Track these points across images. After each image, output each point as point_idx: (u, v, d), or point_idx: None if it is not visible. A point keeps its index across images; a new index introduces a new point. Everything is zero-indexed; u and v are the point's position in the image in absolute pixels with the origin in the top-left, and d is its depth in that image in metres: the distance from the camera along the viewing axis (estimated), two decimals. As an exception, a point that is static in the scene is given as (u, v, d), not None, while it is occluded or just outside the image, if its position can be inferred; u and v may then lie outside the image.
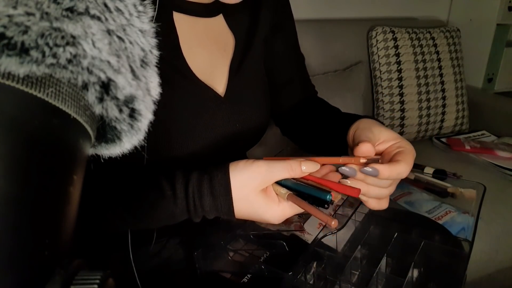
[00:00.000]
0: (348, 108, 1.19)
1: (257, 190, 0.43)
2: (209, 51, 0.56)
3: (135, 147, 0.25)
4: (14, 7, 0.17)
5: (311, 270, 0.50)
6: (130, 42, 0.23)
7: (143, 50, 0.24)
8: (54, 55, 0.18)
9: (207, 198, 0.43)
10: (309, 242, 0.58)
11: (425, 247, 0.52)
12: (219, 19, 0.58)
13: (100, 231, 0.52)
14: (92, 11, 0.20)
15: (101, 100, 0.21)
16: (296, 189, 0.43)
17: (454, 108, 1.43)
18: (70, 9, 0.19)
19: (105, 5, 0.21)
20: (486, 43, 1.57)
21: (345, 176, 0.45)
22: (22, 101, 0.18)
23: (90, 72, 0.20)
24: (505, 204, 1.01)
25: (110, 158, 0.26)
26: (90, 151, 0.23)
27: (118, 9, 0.22)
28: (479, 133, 1.45)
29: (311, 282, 0.50)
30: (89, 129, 0.21)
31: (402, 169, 0.43)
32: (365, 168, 0.42)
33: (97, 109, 0.21)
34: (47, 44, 0.18)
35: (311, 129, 0.65)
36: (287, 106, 0.71)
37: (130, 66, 0.22)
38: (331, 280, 0.51)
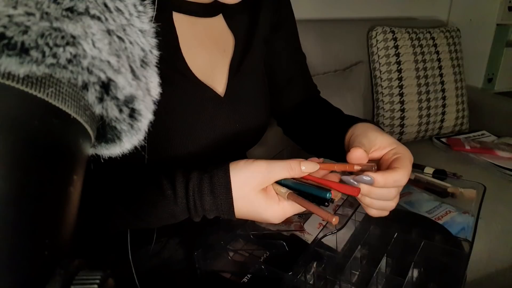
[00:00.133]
0: (348, 108, 1.19)
1: (257, 189, 0.43)
2: (209, 51, 0.56)
3: (135, 147, 0.25)
4: (14, 7, 0.17)
5: (311, 270, 0.50)
6: (130, 42, 0.23)
7: (143, 50, 0.24)
8: (54, 55, 0.18)
9: (207, 197, 0.43)
10: (309, 242, 0.58)
11: (425, 247, 0.52)
12: (219, 19, 0.58)
13: (100, 231, 0.52)
14: (92, 11, 0.20)
15: (101, 100, 0.21)
16: (296, 188, 0.43)
17: (454, 108, 1.43)
18: (70, 9, 0.19)
19: (105, 5, 0.21)
20: (486, 43, 1.58)
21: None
22: (22, 101, 0.18)
23: (90, 72, 0.20)
24: (505, 204, 1.01)
25: (110, 158, 0.26)
26: (90, 151, 0.23)
27: (118, 9, 0.22)
28: (479, 133, 1.45)
29: (311, 282, 0.50)
30: (89, 129, 0.21)
31: (399, 176, 0.42)
32: (360, 176, 0.42)
33: (97, 109, 0.21)
34: (47, 44, 0.18)
35: (312, 131, 0.65)
36: (289, 106, 0.71)
37: (130, 66, 0.22)
38: (331, 280, 0.51)
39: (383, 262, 0.51)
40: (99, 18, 0.20)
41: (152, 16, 0.25)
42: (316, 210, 0.40)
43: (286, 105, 0.71)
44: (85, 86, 0.20)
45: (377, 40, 1.32)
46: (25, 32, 0.17)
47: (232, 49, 0.59)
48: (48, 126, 0.18)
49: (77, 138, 0.20)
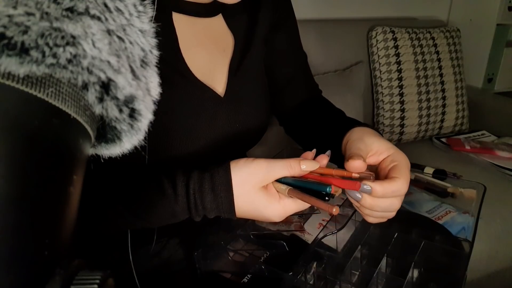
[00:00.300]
0: (348, 108, 1.19)
1: (258, 187, 0.43)
2: (208, 51, 0.56)
3: (135, 147, 0.25)
4: (14, 7, 0.17)
5: (311, 270, 0.50)
6: (130, 42, 0.23)
7: (143, 50, 0.24)
8: (54, 55, 0.18)
9: (208, 195, 0.43)
10: (309, 242, 0.58)
11: (425, 247, 0.52)
12: (218, 19, 0.58)
13: (101, 231, 0.52)
14: (92, 11, 0.20)
15: (101, 100, 0.21)
16: (296, 185, 0.43)
17: (454, 108, 1.43)
18: (70, 9, 0.19)
19: (105, 5, 0.21)
20: (486, 43, 1.58)
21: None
22: (22, 101, 0.18)
23: (90, 72, 0.20)
24: (505, 204, 1.01)
25: (110, 158, 0.26)
26: (90, 151, 0.23)
27: (118, 9, 0.22)
28: (479, 133, 1.45)
29: (311, 282, 0.50)
30: (89, 129, 0.21)
31: (398, 186, 0.42)
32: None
33: (97, 109, 0.21)
34: (47, 44, 0.18)
35: (312, 131, 0.65)
36: (290, 105, 0.71)
37: (130, 66, 0.22)
38: (331, 280, 0.51)
39: (383, 262, 0.51)
40: (99, 18, 0.20)
41: (152, 16, 0.25)
42: (316, 203, 0.40)
43: (288, 105, 0.71)
44: (85, 86, 0.20)
45: (377, 40, 1.32)
46: (25, 32, 0.17)
47: (232, 49, 0.59)
48: (48, 126, 0.18)
49: (77, 138, 0.20)
